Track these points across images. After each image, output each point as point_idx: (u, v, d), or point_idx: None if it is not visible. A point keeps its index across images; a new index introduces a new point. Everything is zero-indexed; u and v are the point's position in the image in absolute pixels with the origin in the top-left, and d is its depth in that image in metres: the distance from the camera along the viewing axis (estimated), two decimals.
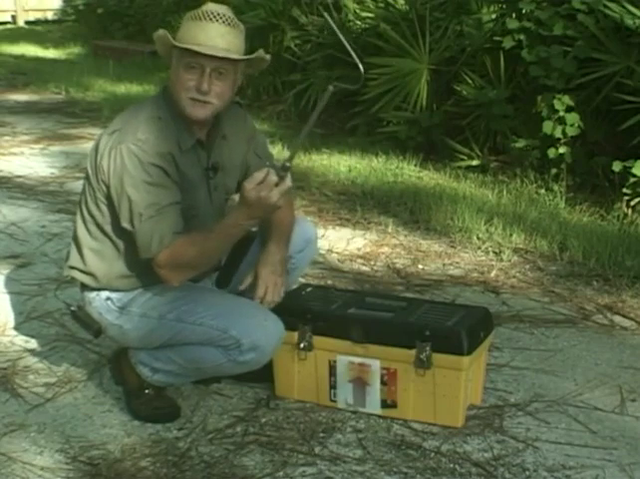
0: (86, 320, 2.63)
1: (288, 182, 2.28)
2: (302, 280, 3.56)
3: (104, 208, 2.51)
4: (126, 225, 2.44)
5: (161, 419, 2.62)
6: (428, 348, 2.51)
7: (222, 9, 2.46)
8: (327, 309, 2.69)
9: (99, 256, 2.56)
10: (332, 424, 2.61)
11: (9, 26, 15.65)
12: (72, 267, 2.63)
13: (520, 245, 4.17)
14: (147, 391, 2.66)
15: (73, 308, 2.69)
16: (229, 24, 2.43)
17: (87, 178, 2.56)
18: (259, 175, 2.27)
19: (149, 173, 2.40)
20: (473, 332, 2.57)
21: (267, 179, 2.26)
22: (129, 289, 2.56)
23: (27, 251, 4.11)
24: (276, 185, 2.26)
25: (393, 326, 2.59)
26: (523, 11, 5.36)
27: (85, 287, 2.63)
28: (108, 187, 2.46)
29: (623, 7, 4.82)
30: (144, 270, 2.50)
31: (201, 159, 2.56)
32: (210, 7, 2.45)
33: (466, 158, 5.63)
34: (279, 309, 2.71)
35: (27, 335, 3.20)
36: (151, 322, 2.53)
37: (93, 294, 2.60)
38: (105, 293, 2.59)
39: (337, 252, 4.07)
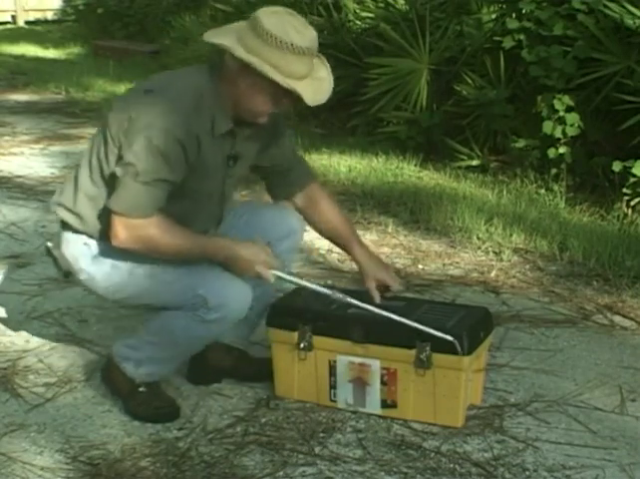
0: (59, 260, 2.61)
1: (270, 280, 2.48)
2: None
3: (112, 159, 2.47)
4: (118, 170, 2.40)
5: (161, 419, 2.62)
6: (428, 348, 2.51)
7: (312, 32, 2.41)
8: (327, 309, 2.69)
9: (92, 202, 2.53)
10: (332, 424, 2.61)
11: (9, 26, 15.66)
12: (60, 205, 2.60)
13: (520, 245, 4.17)
14: (140, 390, 2.65)
15: (49, 244, 2.64)
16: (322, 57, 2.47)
17: (104, 126, 2.51)
18: (275, 260, 2.48)
19: (167, 144, 2.37)
20: (473, 332, 2.57)
21: (272, 262, 2.45)
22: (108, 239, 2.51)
23: (27, 251, 4.11)
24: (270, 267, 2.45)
25: (393, 326, 2.59)
26: (523, 11, 5.36)
27: (66, 227, 2.60)
28: (125, 137, 2.41)
29: (623, 7, 4.82)
30: None
31: (226, 146, 2.53)
32: (305, 33, 2.37)
33: (466, 158, 5.63)
34: (279, 309, 2.71)
35: (27, 335, 3.20)
36: (121, 275, 2.53)
37: (72, 236, 2.58)
38: (84, 238, 2.56)
39: (337, 253, 4.07)
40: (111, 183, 2.47)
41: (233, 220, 2.77)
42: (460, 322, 2.58)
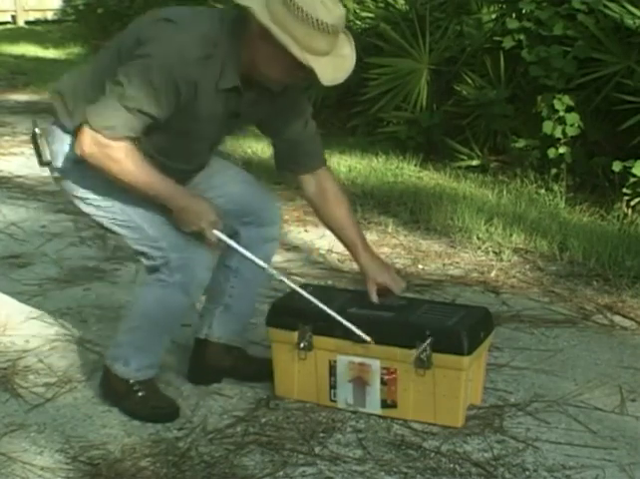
0: (41, 148, 2.56)
1: (212, 239, 2.49)
2: (302, 281, 3.57)
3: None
4: (108, 84, 2.37)
5: (161, 419, 2.62)
6: (428, 348, 2.51)
7: (341, 10, 2.32)
8: (326, 308, 2.69)
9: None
10: (332, 424, 2.61)
11: (9, 26, 15.67)
12: (60, 95, 2.58)
13: (520, 245, 4.17)
14: (135, 389, 2.66)
15: (36, 130, 2.58)
16: (348, 34, 2.41)
17: (115, 43, 2.51)
18: (218, 218, 2.47)
19: (162, 81, 2.33)
20: (473, 332, 2.56)
21: (219, 225, 2.47)
22: None
23: (27, 251, 4.11)
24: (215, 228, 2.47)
25: (393, 326, 2.59)
26: (523, 11, 5.36)
27: (57, 122, 2.57)
28: (129, 57, 2.38)
29: (623, 7, 4.82)
30: None
31: (230, 102, 2.48)
32: (333, 10, 2.30)
33: (466, 158, 5.63)
34: (279, 309, 2.71)
35: (27, 335, 3.20)
36: (94, 186, 2.52)
37: (60, 133, 2.55)
38: (70, 139, 2.52)
39: (337, 253, 4.07)
40: None
41: (217, 181, 2.74)
42: (460, 322, 2.58)
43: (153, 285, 2.59)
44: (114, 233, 2.64)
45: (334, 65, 2.35)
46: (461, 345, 2.50)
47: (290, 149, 2.69)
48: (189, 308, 2.69)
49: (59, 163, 2.56)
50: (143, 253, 2.58)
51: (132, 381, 2.67)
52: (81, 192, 2.57)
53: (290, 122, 2.65)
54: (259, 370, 2.83)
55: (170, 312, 2.62)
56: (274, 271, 2.63)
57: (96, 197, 2.56)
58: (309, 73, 2.32)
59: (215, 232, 2.50)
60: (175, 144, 2.52)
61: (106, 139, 2.35)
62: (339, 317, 2.59)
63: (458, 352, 2.50)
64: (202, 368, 2.86)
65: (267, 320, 2.73)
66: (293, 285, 2.66)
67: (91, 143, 2.37)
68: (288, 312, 2.67)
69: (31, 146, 2.65)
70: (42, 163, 2.59)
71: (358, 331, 2.57)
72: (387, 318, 2.62)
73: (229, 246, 2.60)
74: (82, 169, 2.48)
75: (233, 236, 2.70)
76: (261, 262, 2.60)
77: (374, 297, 2.70)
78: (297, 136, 2.67)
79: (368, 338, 2.56)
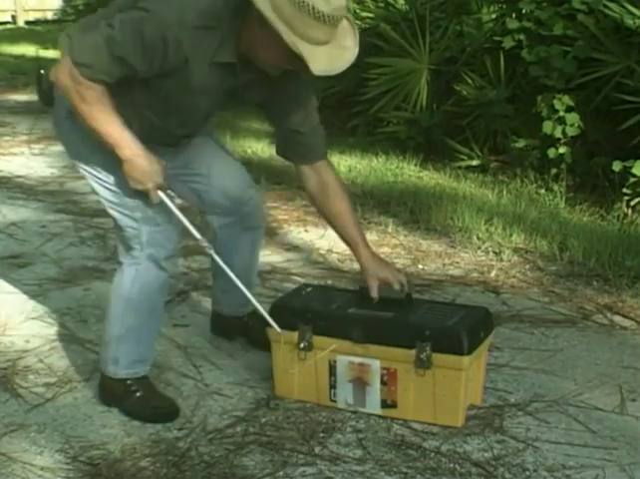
0: (45, 90, 2.56)
1: (155, 201, 2.50)
2: (302, 280, 3.57)
3: None
4: (102, 23, 2.35)
5: (161, 419, 2.62)
6: (428, 348, 2.51)
7: (341, 1, 2.31)
8: (327, 309, 2.69)
9: None
10: (332, 424, 2.61)
11: (9, 26, 15.67)
12: (68, 36, 2.52)
13: (520, 245, 4.17)
14: (133, 389, 2.67)
15: (42, 71, 2.58)
16: (351, 22, 2.39)
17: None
18: (165, 181, 2.48)
19: (154, 39, 2.30)
20: (473, 332, 2.56)
21: (164, 187, 2.49)
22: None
23: (27, 251, 4.11)
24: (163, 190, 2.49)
25: (392, 326, 2.59)
26: (523, 11, 5.36)
27: None
28: (133, 4, 2.37)
29: (623, 7, 4.82)
30: (124, 103, 2.46)
31: (227, 79, 2.46)
32: (331, 0, 2.26)
33: (466, 158, 5.63)
34: (279, 309, 2.72)
35: (27, 335, 3.20)
36: (84, 147, 2.55)
37: None
38: None
39: (337, 253, 4.07)
40: None
41: (204, 168, 2.79)
42: (460, 322, 2.58)
43: (126, 268, 2.63)
44: (95, 191, 2.67)
45: (330, 55, 2.33)
46: (461, 345, 2.50)
47: (290, 138, 2.68)
48: (166, 284, 2.70)
49: (59, 110, 2.57)
50: (117, 224, 2.62)
51: (127, 381, 2.67)
52: (71, 141, 2.61)
53: (292, 112, 2.63)
54: (262, 339, 2.84)
55: (148, 289, 2.64)
56: (206, 244, 2.63)
57: (83, 151, 2.58)
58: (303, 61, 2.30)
59: (160, 193, 2.51)
60: (168, 109, 2.51)
61: (81, 76, 2.34)
62: (239, 284, 2.65)
63: (458, 352, 2.50)
64: (219, 333, 3.15)
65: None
66: (223, 265, 2.68)
67: (67, 74, 2.36)
68: (288, 312, 2.67)
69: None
70: (44, 103, 2.61)
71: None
72: (386, 318, 2.62)
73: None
74: (73, 121, 2.50)
75: (218, 228, 2.88)
76: (196, 234, 2.61)
77: (375, 292, 2.70)
78: (298, 126, 2.66)
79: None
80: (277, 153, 2.78)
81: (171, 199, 2.59)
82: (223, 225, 2.89)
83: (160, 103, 2.50)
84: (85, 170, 2.64)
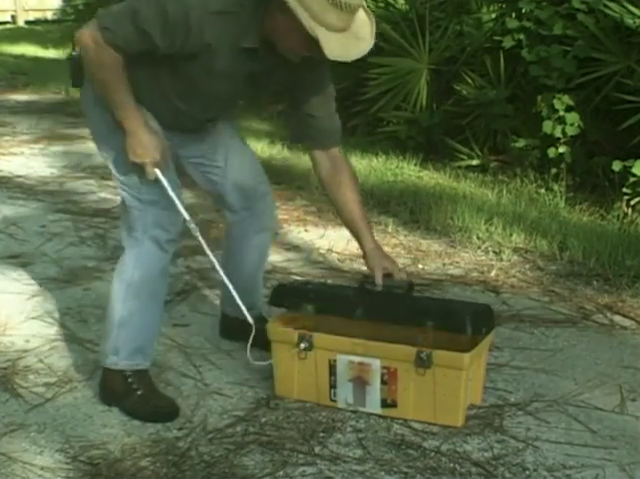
0: (75, 72, 2.64)
1: (150, 177, 2.56)
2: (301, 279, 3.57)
3: None
4: None
5: (161, 419, 2.62)
6: (431, 329, 2.52)
7: None
8: (329, 289, 2.70)
9: None
10: (332, 424, 2.61)
11: (9, 26, 15.67)
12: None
13: (520, 245, 4.17)
14: (138, 393, 2.67)
15: (74, 53, 2.64)
16: (369, 15, 2.47)
17: None
18: (163, 159, 2.56)
19: (177, 16, 2.39)
20: (476, 317, 2.57)
21: (162, 165, 2.55)
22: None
23: (27, 251, 4.11)
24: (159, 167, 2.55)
25: (396, 303, 2.59)
26: (523, 11, 5.37)
27: None
28: None
29: (623, 7, 4.82)
30: (151, 89, 2.58)
31: (249, 64, 2.53)
32: None
33: (465, 157, 5.63)
34: (283, 289, 2.73)
35: (27, 335, 3.20)
36: (104, 127, 2.62)
37: None
38: None
39: (337, 252, 4.07)
40: None
41: (223, 161, 2.84)
42: (464, 306, 2.62)
43: (128, 252, 2.69)
44: (110, 172, 2.74)
45: (346, 43, 2.41)
46: (464, 325, 2.50)
47: (306, 122, 2.74)
48: (166, 269, 2.73)
49: (85, 90, 2.67)
50: (124, 204, 2.67)
51: (128, 377, 2.68)
52: (94, 121, 2.69)
53: (310, 97, 2.70)
54: (262, 342, 2.84)
55: (149, 271, 2.68)
56: (193, 226, 2.67)
57: (103, 131, 2.65)
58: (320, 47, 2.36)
59: (156, 170, 2.57)
60: (192, 93, 2.59)
61: (102, 39, 2.44)
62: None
63: (461, 331, 2.51)
64: (224, 335, 3.16)
65: (270, 300, 2.79)
66: (208, 250, 2.71)
67: (90, 36, 2.47)
68: (291, 293, 2.69)
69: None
70: (74, 84, 2.69)
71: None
72: (390, 296, 2.64)
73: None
74: (97, 101, 2.60)
75: (231, 224, 2.93)
76: (185, 213, 2.65)
77: (380, 280, 2.72)
78: (315, 111, 2.72)
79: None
80: (291, 138, 2.85)
81: (172, 181, 2.64)
82: (237, 221, 2.94)
83: (186, 87, 2.57)
84: (103, 149, 2.71)
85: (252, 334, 2.71)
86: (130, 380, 2.69)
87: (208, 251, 2.71)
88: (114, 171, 2.69)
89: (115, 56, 2.46)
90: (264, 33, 2.47)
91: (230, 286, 2.75)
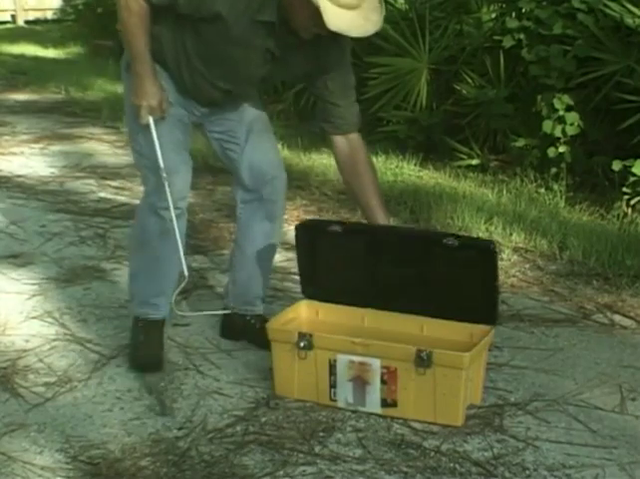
0: (118, 43, 2.93)
1: (142, 121, 2.71)
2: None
3: None
4: None
5: (137, 368, 2.89)
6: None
7: None
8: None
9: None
10: (332, 423, 2.61)
11: (9, 25, 15.66)
12: None
13: (520, 245, 4.17)
14: (140, 339, 2.95)
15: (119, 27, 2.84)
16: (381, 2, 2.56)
17: None
18: (159, 107, 2.71)
19: None
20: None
21: (157, 113, 2.71)
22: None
23: (27, 251, 4.11)
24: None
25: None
26: (523, 10, 5.36)
27: None
28: None
29: (623, 6, 4.82)
30: (177, 50, 2.74)
31: (267, 38, 2.63)
32: None
33: (465, 157, 5.63)
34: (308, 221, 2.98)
35: (27, 335, 3.20)
36: (129, 94, 2.80)
37: None
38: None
39: None
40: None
41: (243, 141, 2.93)
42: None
43: (136, 211, 3.00)
44: (130, 135, 2.93)
45: (351, 20, 2.47)
46: (490, 247, 2.61)
47: (328, 111, 2.82)
48: (167, 233, 2.85)
49: (123, 60, 2.87)
50: (137, 167, 2.95)
51: (139, 322, 2.98)
52: (125, 86, 2.89)
53: (330, 84, 2.79)
54: (261, 341, 2.89)
55: (148, 233, 2.91)
56: (165, 175, 2.77)
57: (128, 97, 2.82)
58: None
59: (150, 117, 2.71)
60: (212, 58, 2.71)
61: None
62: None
63: (488, 253, 2.59)
64: (226, 330, 3.17)
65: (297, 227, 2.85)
66: (170, 197, 2.80)
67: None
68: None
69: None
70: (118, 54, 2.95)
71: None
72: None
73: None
74: (127, 71, 2.80)
75: (241, 205, 3.01)
76: (162, 163, 2.75)
77: None
78: (336, 99, 2.80)
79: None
80: (317, 118, 2.90)
81: (179, 141, 2.81)
82: (246, 200, 3.00)
83: (206, 49, 2.69)
84: (126, 115, 2.90)
85: (183, 284, 2.91)
86: (140, 325, 2.98)
87: (169, 197, 2.79)
88: (131, 137, 2.90)
89: (141, 4, 2.62)
90: (281, 9, 2.56)
91: (179, 240, 2.83)
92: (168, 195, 2.76)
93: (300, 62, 2.73)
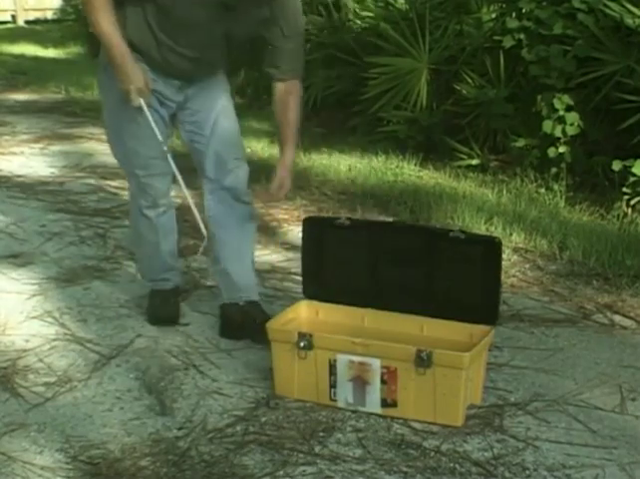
0: (93, 45, 3.07)
1: (134, 103, 2.82)
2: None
3: None
4: None
5: (156, 322, 3.22)
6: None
7: None
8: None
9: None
10: (332, 423, 2.61)
11: (9, 25, 15.65)
12: None
13: (520, 245, 4.17)
14: (156, 301, 3.28)
15: (91, 30, 2.98)
16: None
17: None
18: (146, 89, 2.82)
19: None
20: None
21: (146, 94, 2.82)
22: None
23: (27, 251, 4.11)
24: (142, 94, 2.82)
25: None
26: (523, 10, 5.36)
27: None
28: None
29: (623, 6, 4.82)
30: (140, 27, 2.84)
31: None
32: None
33: (465, 157, 5.62)
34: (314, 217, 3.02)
35: (27, 335, 3.20)
36: (105, 96, 3.00)
37: None
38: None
39: None
40: None
41: (211, 117, 3.04)
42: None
43: (130, 213, 3.25)
44: (110, 145, 3.10)
45: None
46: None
47: (275, 53, 2.94)
48: (154, 228, 3.15)
49: (99, 60, 2.97)
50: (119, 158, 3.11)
51: (151, 290, 3.31)
52: (101, 88, 3.06)
53: (284, 27, 2.89)
54: (257, 331, 2.91)
55: (138, 227, 3.22)
56: (166, 148, 2.92)
57: (105, 99, 3.00)
58: None
59: (141, 100, 2.83)
60: (173, 26, 2.81)
61: None
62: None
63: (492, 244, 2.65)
64: (224, 324, 3.20)
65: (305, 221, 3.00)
66: (179, 175, 2.93)
67: None
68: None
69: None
70: (93, 55, 3.05)
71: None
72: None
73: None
74: (105, 73, 2.91)
75: (208, 195, 3.10)
76: (159, 137, 2.87)
77: (275, 185, 3.01)
78: (288, 43, 2.91)
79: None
80: (263, 67, 3.02)
81: (163, 133, 2.90)
82: (211, 190, 3.11)
83: (167, 19, 2.79)
84: (103, 116, 3.05)
85: (204, 244, 2.99)
86: (154, 294, 3.31)
87: (178, 175, 2.92)
88: (109, 145, 3.07)
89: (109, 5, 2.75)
90: None
91: (190, 199, 2.94)
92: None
93: (254, 11, 2.82)
